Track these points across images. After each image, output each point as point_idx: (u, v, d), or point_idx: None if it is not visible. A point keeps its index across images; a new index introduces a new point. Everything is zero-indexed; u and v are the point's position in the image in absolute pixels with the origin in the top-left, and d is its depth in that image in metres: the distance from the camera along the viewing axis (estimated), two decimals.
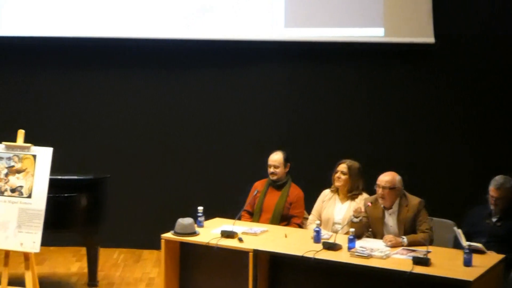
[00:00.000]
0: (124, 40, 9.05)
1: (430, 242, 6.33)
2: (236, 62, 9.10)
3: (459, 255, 5.91)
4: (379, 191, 6.56)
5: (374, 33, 8.66)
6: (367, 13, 8.64)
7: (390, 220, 6.59)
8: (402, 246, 6.26)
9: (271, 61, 9.04)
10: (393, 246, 6.23)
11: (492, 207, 6.64)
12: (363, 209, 6.61)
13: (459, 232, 6.24)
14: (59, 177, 7.19)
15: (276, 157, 7.43)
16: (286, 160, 7.44)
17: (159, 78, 9.23)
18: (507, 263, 6.16)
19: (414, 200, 6.56)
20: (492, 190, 6.61)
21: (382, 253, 6.04)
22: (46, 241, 6.88)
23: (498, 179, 6.63)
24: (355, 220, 6.50)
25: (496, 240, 6.48)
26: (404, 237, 6.35)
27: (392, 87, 8.89)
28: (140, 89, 9.28)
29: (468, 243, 5.93)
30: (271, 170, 7.42)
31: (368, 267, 5.88)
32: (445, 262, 5.88)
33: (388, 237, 6.35)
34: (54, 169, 6.91)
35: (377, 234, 6.62)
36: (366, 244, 6.30)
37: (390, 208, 6.59)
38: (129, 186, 9.14)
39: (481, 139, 8.70)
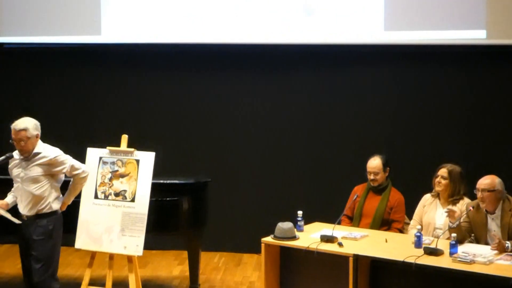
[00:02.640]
0: (228, 46, 9.17)
1: None
2: (336, 65, 9.08)
3: None
4: (479, 194, 6.44)
5: (476, 35, 8.50)
6: (469, 15, 8.49)
7: (493, 225, 6.45)
8: (506, 251, 6.12)
9: (371, 64, 8.98)
10: (498, 250, 6.10)
11: None
12: (457, 213, 6.49)
13: None
14: (162, 181, 7.30)
15: (375, 163, 7.38)
16: (385, 164, 7.38)
17: (263, 81, 9.28)
18: None
19: None
20: None
21: (485, 258, 5.92)
22: (149, 245, 7.00)
23: None
24: (453, 225, 6.39)
25: None
26: (508, 242, 6.21)
27: (495, 90, 8.71)
28: (241, 94, 9.35)
29: None
30: (371, 177, 7.37)
31: (471, 272, 5.77)
32: None
33: (497, 240, 6.21)
34: (157, 173, 7.03)
35: (480, 239, 6.49)
36: (468, 249, 6.19)
37: (493, 212, 6.45)
38: (229, 190, 9.22)
39: None
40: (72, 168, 6.50)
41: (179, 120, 9.47)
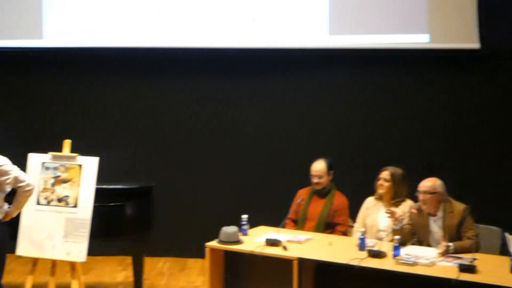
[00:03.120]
0: (168, 50, 9.14)
1: (476, 249, 6.27)
2: (281, 69, 9.11)
3: (506, 262, 5.83)
4: (420, 196, 6.52)
5: (419, 39, 8.60)
6: (412, 19, 8.58)
7: (435, 227, 6.53)
8: (448, 253, 6.19)
9: (315, 68, 9.03)
10: (441, 252, 6.17)
11: None
12: (398, 214, 6.55)
13: (510, 238, 6.10)
14: (105, 186, 7.25)
15: (319, 167, 7.41)
16: (329, 168, 7.41)
17: (206, 86, 9.27)
18: None
19: (459, 207, 6.49)
20: None
21: (427, 260, 5.98)
22: (92, 251, 6.94)
23: None
24: (395, 227, 6.46)
25: None
26: (450, 243, 6.28)
27: (437, 93, 8.81)
28: (185, 98, 9.33)
29: None
30: (315, 180, 7.40)
31: (414, 274, 5.82)
32: (491, 269, 5.80)
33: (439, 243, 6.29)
34: (100, 178, 6.98)
35: (422, 241, 6.56)
36: (411, 251, 6.25)
37: (435, 214, 6.53)
38: (174, 194, 9.18)
39: None
40: (16, 180, 6.21)
41: (124, 125, 9.41)
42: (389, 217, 6.58)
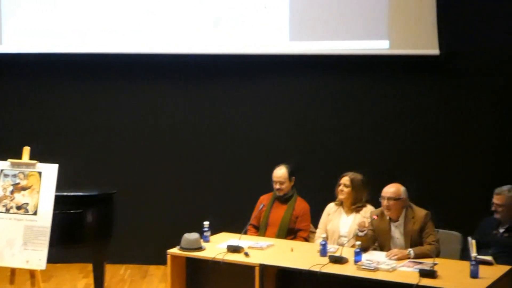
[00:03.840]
0: (130, 55, 9.10)
1: (437, 254, 6.30)
2: (243, 76, 9.11)
3: (466, 267, 5.88)
4: (384, 202, 6.54)
5: (379, 46, 8.65)
6: (372, 25, 8.62)
7: (397, 233, 6.56)
8: (409, 258, 6.23)
9: (276, 74, 9.04)
10: (399, 259, 6.21)
11: (496, 215, 6.63)
12: (367, 224, 6.59)
13: (472, 243, 6.12)
14: (65, 193, 7.17)
15: (280, 173, 7.41)
16: (291, 174, 7.42)
17: (165, 91, 9.26)
18: None
19: (420, 212, 6.54)
20: (494, 197, 6.62)
21: (388, 266, 6.02)
22: (52, 258, 6.88)
23: (502, 187, 6.64)
24: (361, 234, 6.48)
25: (505, 251, 6.44)
26: (410, 249, 6.32)
27: (397, 99, 8.86)
28: (144, 103, 9.30)
29: (474, 254, 5.89)
30: (276, 186, 7.40)
31: (375, 280, 5.85)
32: (452, 274, 5.85)
33: (393, 251, 6.33)
34: (60, 185, 6.92)
35: (383, 246, 6.59)
36: (372, 257, 6.29)
37: (396, 220, 6.57)
38: (136, 201, 9.13)
39: (489, 149, 8.64)
40: None
41: (84, 132, 9.34)
42: (358, 229, 6.57)
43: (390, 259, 6.22)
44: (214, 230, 7.09)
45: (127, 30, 9.01)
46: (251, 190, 7.98)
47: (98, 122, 9.34)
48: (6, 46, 9.14)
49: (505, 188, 6.64)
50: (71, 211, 7.22)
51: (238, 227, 7.13)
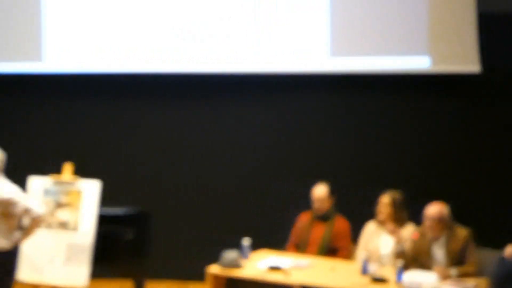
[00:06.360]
0: (172, 75, 9.11)
1: (478, 274, 6.24)
2: (281, 93, 9.09)
3: None
4: (427, 223, 6.51)
5: (419, 61, 8.60)
6: (413, 41, 8.58)
7: (438, 252, 6.52)
8: (451, 278, 6.18)
9: (316, 91, 9.03)
10: (443, 277, 6.16)
11: None
12: (404, 238, 6.55)
13: None
14: (106, 211, 7.24)
15: (320, 192, 7.40)
16: (331, 192, 7.41)
17: (204, 109, 9.26)
18: None
19: (462, 231, 6.50)
20: None
21: (430, 285, 5.97)
22: (93, 275, 6.92)
23: None
24: (399, 249, 6.44)
25: None
26: (452, 268, 6.28)
27: (438, 116, 8.80)
28: (183, 121, 9.31)
29: None
30: (316, 205, 7.39)
31: None
32: None
33: (437, 269, 6.28)
34: (101, 202, 6.97)
35: (424, 266, 6.53)
36: (413, 276, 6.23)
37: (438, 239, 6.52)
38: (175, 218, 9.14)
39: None
40: (26, 209, 6.16)
41: (124, 150, 9.37)
42: (390, 234, 6.54)
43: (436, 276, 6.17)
44: (254, 247, 7.09)
45: (169, 49, 9.00)
46: (290, 208, 7.96)
47: (137, 140, 9.38)
48: (47, 64, 9.21)
49: None
50: (111, 229, 7.27)
51: (277, 245, 7.13)
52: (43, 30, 9.18)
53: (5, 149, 8.55)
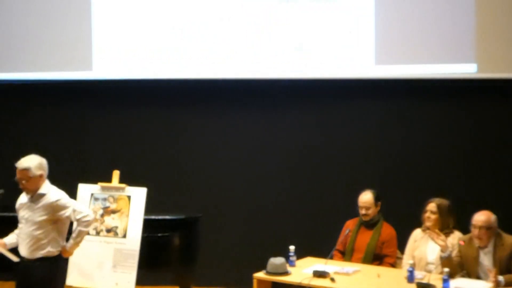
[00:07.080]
0: (216, 81, 9.16)
1: None
2: (327, 100, 9.08)
3: None
4: (475, 231, 6.45)
5: (466, 69, 8.54)
6: (459, 48, 8.52)
7: (485, 260, 6.46)
8: (499, 286, 6.12)
9: (362, 98, 9.00)
10: (494, 282, 6.09)
11: None
12: (449, 245, 6.51)
13: None
14: (153, 217, 7.30)
15: (366, 198, 7.39)
16: (377, 199, 7.39)
17: (253, 117, 9.27)
18: None
19: (509, 239, 6.44)
20: None
21: None
22: (140, 281, 6.98)
23: None
24: (443, 255, 6.41)
25: None
26: (501, 276, 6.21)
27: (485, 123, 8.73)
28: (228, 128, 9.35)
29: None
30: (362, 211, 7.38)
31: None
32: None
33: (491, 270, 6.20)
34: (148, 209, 7.03)
35: (471, 273, 6.49)
36: (460, 284, 6.19)
37: (485, 247, 6.47)
38: (221, 225, 9.18)
39: None
40: (75, 212, 6.20)
41: (170, 156, 9.45)
42: (434, 238, 6.51)
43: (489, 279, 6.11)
44: (300, 254, 7.09)
45: (213, 56, 9.07)
46: (337, 215, 7.97)
47: (183, 146, 9.44)
48: (95, 72, 9.33)
49: None
50: (159, 235, 7.33)
51: (323, 252, 7.13)
52: (93, 41, 9.31)
53: (57, 157, 8.74)
